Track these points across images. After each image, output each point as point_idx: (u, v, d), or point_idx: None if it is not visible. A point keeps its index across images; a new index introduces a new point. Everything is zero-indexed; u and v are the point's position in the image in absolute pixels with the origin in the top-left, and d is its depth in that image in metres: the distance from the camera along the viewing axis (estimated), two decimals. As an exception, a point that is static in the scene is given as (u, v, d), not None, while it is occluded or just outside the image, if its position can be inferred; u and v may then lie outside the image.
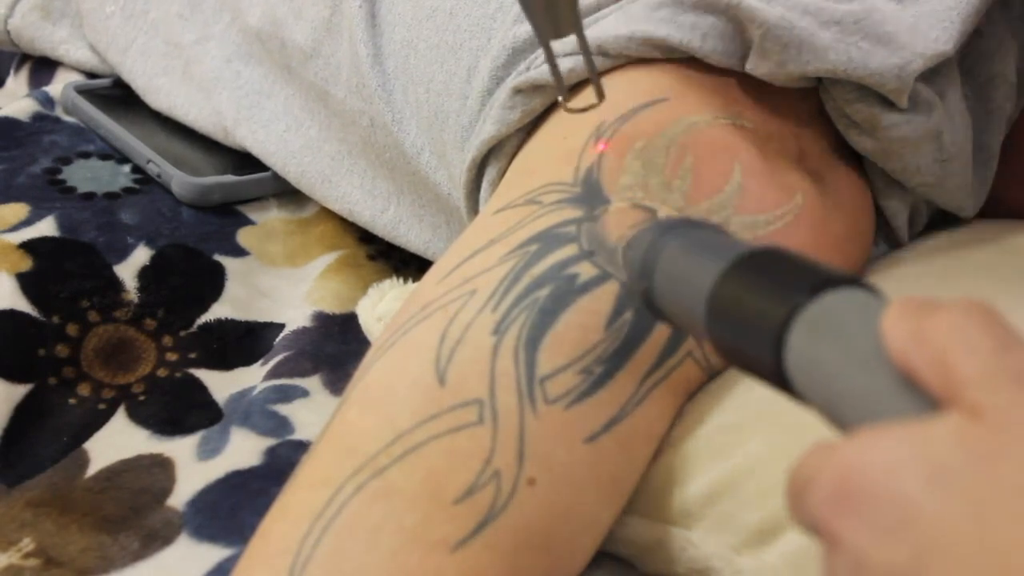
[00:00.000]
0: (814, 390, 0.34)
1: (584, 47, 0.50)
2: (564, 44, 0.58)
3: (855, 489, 0.30)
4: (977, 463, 0.29)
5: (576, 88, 0.58)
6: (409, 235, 0.80)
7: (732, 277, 0.37)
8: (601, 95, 0.51)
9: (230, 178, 0.88)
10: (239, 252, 0.85)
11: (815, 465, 0.32)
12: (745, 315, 0.36)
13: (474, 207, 0.64)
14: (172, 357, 0.77)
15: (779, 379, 0.35)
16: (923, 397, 0.31)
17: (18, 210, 0.82)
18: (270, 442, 0.70)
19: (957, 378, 0.30)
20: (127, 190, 0.87)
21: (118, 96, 0.96)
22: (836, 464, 0.31)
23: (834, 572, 0.31)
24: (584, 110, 0.52)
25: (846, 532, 0.30)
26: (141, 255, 0.80)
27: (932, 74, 0.58)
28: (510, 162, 0.60)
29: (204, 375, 0.76)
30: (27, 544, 0.63)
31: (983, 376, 0.30)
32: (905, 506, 0.29)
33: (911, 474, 0.29)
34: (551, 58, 0.50)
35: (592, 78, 0.51)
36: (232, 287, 0.82)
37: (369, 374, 0.50)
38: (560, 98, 0.52)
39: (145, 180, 0.88)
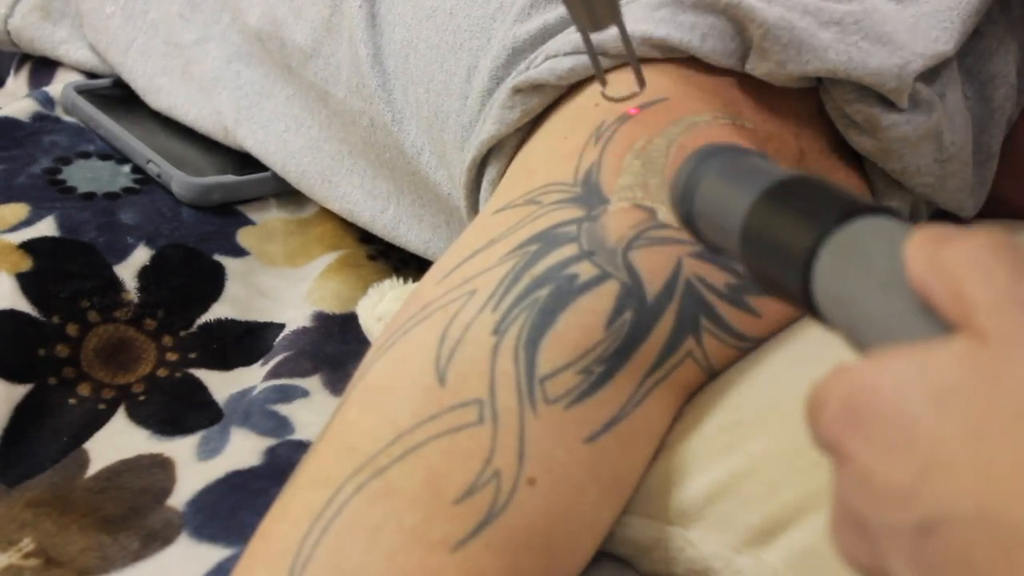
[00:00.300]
0: (838, 315, 0.35)
1: (625, 38, 0.51)
2: (563, 44, 0.58)
3: (863, 407, 0.31)
4: (978, 385, 0.29)
5: (578, 86, 0.58)
6: (409, 235, 0.80)
7: (766, 203, 0.38)
8: (642, 82, 0.52)
9: (230, 178, 0.88)
10: (239, 252, 0.85)
11: (830, 385, 0.33)
12: (776, 240, 0.37)
13: (474, 207, 0.64)
14: (172, 357, 0.77)
15: (807, 304, 0.36)
16: (938, 322, 0.32)
17: (18, 210, 0.82)
18: (270, 442, 0.70)
19: (969, 304, 0.31)
20: (127, 190, 0.87)
21: (118, 96, 0.96)
22: (847, 383, 0.32)
23: (843, 487, 0.32)
24: (626, 99, 0.52)
25: (854, 448, 0.31)
26: (141, 255, 0.80)
27: (932, 74, 0.58)
28: (510, 162, 0.60)
29: (204, 375, 0.76)
30: (27, 544, 0.63)
31: (993, 303, 0.30)
32: (909, 425, 0.30)
33: (916, 394, 0.30)
34: (590, 48, 0.51)
35: (633, 66, 0.52)
36: (232, 287, 0.82)
37: (369, 374, 0.50)
38: (602, 88, 0.53)
39: (145, 180, 0.88)
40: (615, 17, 0.50)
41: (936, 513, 0.29)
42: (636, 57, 0.52)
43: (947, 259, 0.31)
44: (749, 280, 0.39)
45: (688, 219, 0.42)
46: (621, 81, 0.56)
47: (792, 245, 0.36)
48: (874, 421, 0.31)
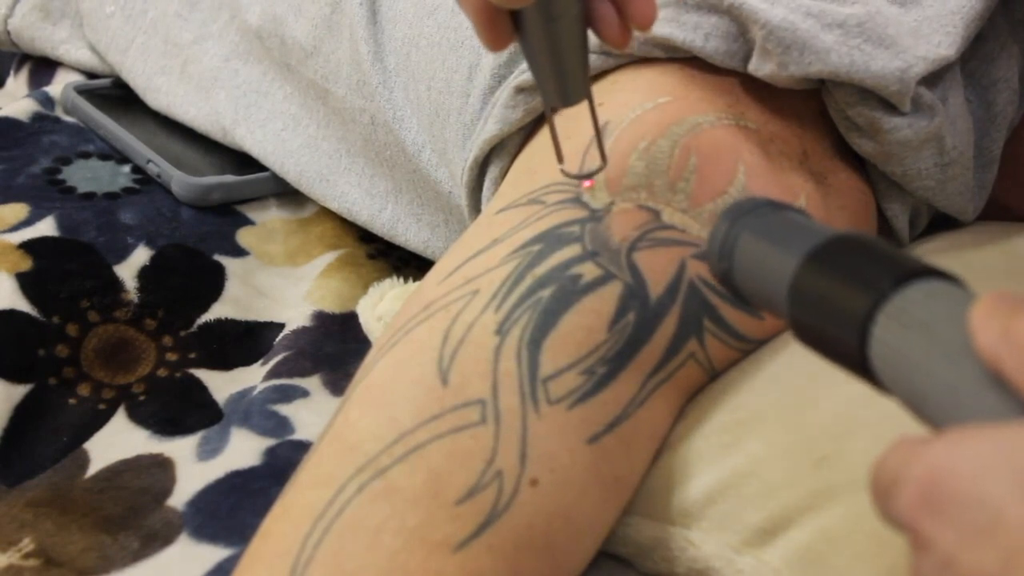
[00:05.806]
0: (899, 382, 0.34)
1: (593, 115, 0.51)
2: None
3: (944, 491, 0.30)
4: None
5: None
6: (407, 234, 0.80)
7: (814, 264, 0.37)
8: (604, 159, 0.52)
9: (230, 178, 0.88)
10: (239, 252, 0.85)
11: (902, 463, 0.32)
12: (829, 304, 0.36)
13: (476, 206, 0.64)
14: (172, 357, 0.77)
15: (863, 369, 0.35)
16: (1012, 397, 0.31)
17: (18, 210, 0.82)
18: (270, 442, 0.70)
19: None
20: (127, 190, 0.87)
21: (118, 96, 0.96)
22: (924, 465, 0.31)
23: (921, 571, 0.31)
24: (586, 177, 0.52)
25: (935, 534, 0.30)
26: (141, 255, 0.80)
27: (934, 78, 0.58)
28: (512, 161, 0.60)
29: (204, 375, 0.76)
30: (27, 544, 0.63)
31: None
32: (993, 511, 0.29)
33: (1000, 478, 0.29)
34: (552, 127, 0.51)
35: (598, 141, 0.52)
36: (232, 287, 0.82)
37: (371, 374, 0.50)
38: (560, 165, 0.52)
39: (145, 180, 0.88)
40: (586, 92, 0.50)
41: None
42: (600, 135, 0.52)
43: (1021, 332, 0.31)
44: (795, 339, 0.38)
45: (727, 276, 0.42)
46: (623, 80, 0.56)
47: (847, 309, 0.35)
48: (956, 507, 0.30)
